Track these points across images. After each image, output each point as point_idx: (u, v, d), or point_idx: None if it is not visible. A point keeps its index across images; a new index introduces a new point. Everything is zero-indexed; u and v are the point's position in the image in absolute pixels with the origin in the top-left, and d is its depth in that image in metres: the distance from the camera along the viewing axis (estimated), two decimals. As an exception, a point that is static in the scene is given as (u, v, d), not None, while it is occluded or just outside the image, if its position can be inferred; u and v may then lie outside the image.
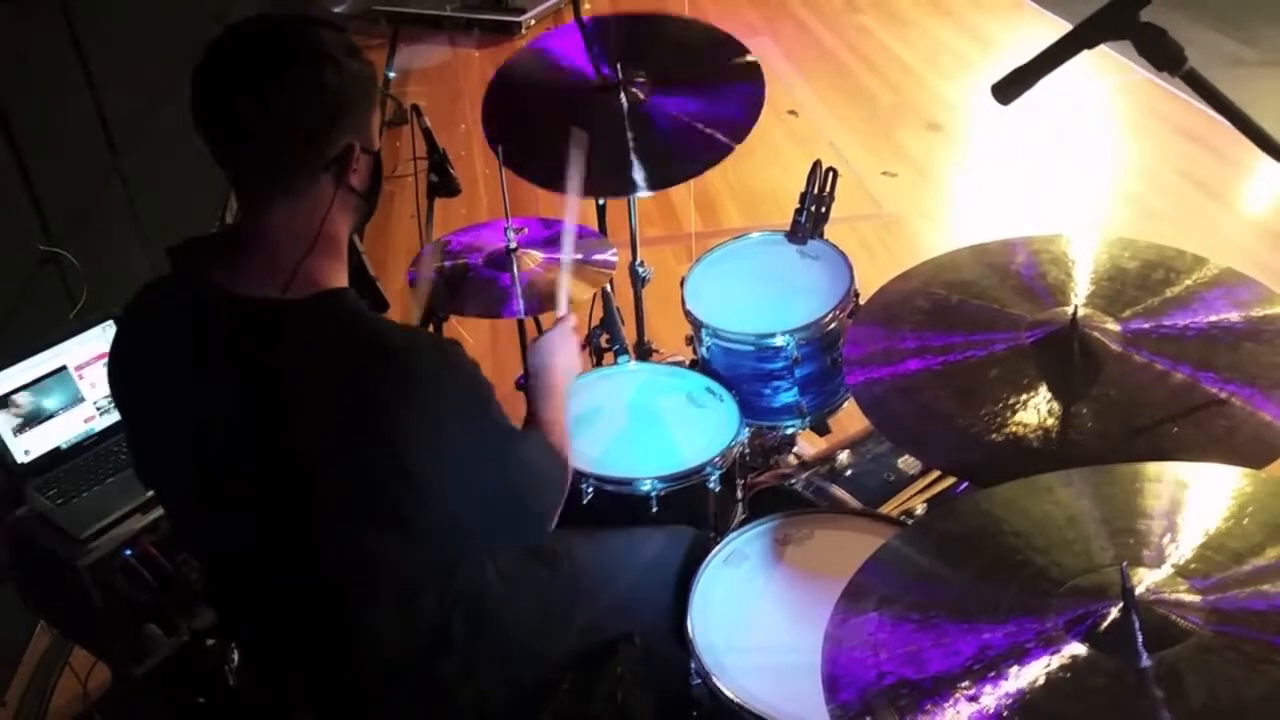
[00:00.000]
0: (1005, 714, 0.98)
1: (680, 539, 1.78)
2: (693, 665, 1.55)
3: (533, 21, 5.72)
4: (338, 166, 1.24)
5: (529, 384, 1.64)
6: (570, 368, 1.70)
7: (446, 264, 2.19)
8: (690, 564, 1.71)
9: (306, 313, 1.23)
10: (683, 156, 2.19)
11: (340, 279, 1.29)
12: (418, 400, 1.20)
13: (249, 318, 1.23)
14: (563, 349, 1.70)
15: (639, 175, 2.15)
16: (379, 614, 1.33)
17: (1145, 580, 1.07)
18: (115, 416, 2.05)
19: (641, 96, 2.23)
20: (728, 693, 1.47)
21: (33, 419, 1.97)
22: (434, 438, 1.23)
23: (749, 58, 2.30)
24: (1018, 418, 1.44)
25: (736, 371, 2.10)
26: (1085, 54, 1.30)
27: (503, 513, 1.36)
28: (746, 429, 1.99)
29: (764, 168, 4.25)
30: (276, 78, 1.18)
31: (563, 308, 1.84)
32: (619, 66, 2.23)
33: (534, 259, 2.14)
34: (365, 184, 1.30)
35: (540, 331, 2.64)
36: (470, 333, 3.11)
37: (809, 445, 2.46)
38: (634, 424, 2.01)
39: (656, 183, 2.18)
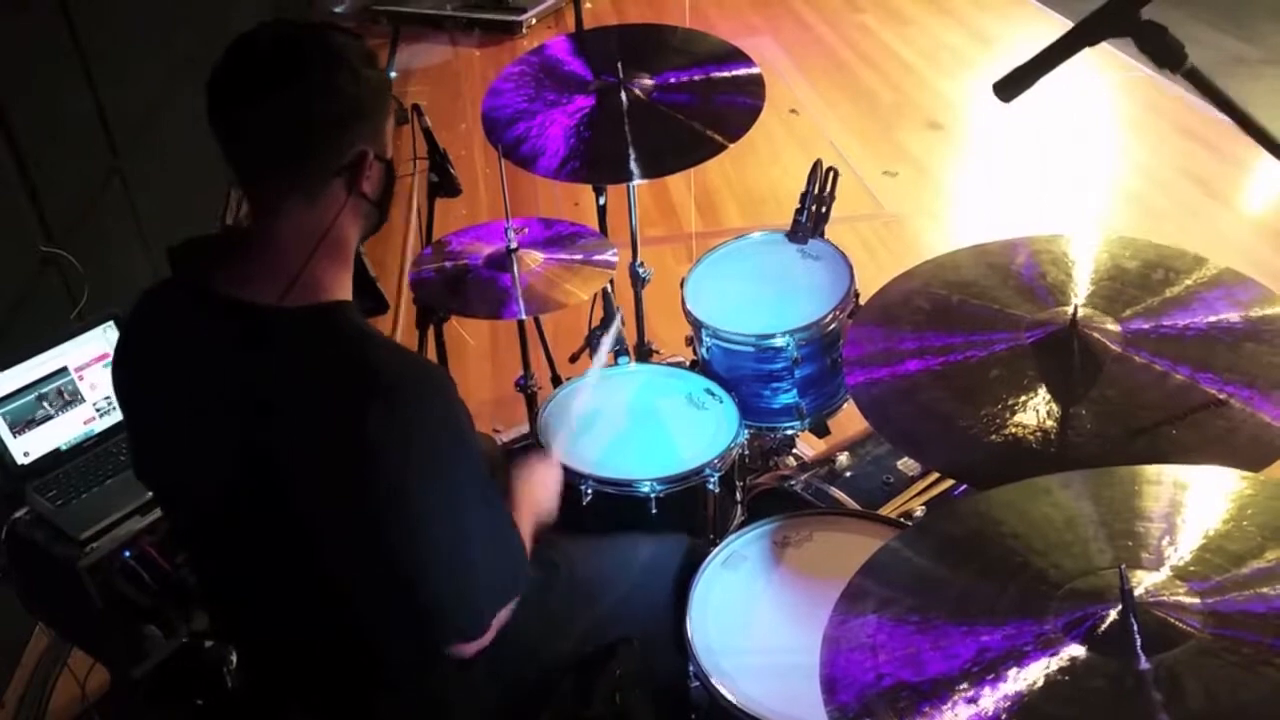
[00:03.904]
0: (1004, 717, 0.97)
1: (677, 546, 1.77)
2: (691, 667, 1.55)
3: (533, 21, 5.72)
4: (350, 172, 1.23)
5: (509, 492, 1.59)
6: (547, 500, 1.65)
7: (447, 264, 2.19)
8: (686, 570, 1.71)
9: (300, 325, 1.23)
10: (679, 150, 2.20)
11: (344, 289, 1.28)
12: (397, 430, 1.18)
13: (244, 324, 1.22)
14: (547, 484, 1.66)
15: (635, 166, 2.15)
16: (376, 618, 1.33)
17: (1144, 583, 1.07)
18: (115, 418, 2.05)
19: (641, 95, 2.23)
20: (726, 695, 1.47)
21: (32, 420, 1.96)
22: (407, 468, 1.20)
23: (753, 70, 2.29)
24: (1017, 419, 1.44)
25: (736, 372, 2.10)
26: (1086, 52, 1.29)
27: (447, 571, 1.28)
28: (746, 430, 1.99)
29: (764, 167, 4.25)
30: (293, 80, 1.18)
31: (557, 458, 1.78)
32: (619, 65, 2.24)
33: (534, 259, 2.14)
34: (377, 192, 1.29)
35: (541, 331, 2.67)
36: (470, 333, 3.11)
37: (808, 447, 2.46)
38: (633, 425, 2.01)
39: (652, 173, 2.18)
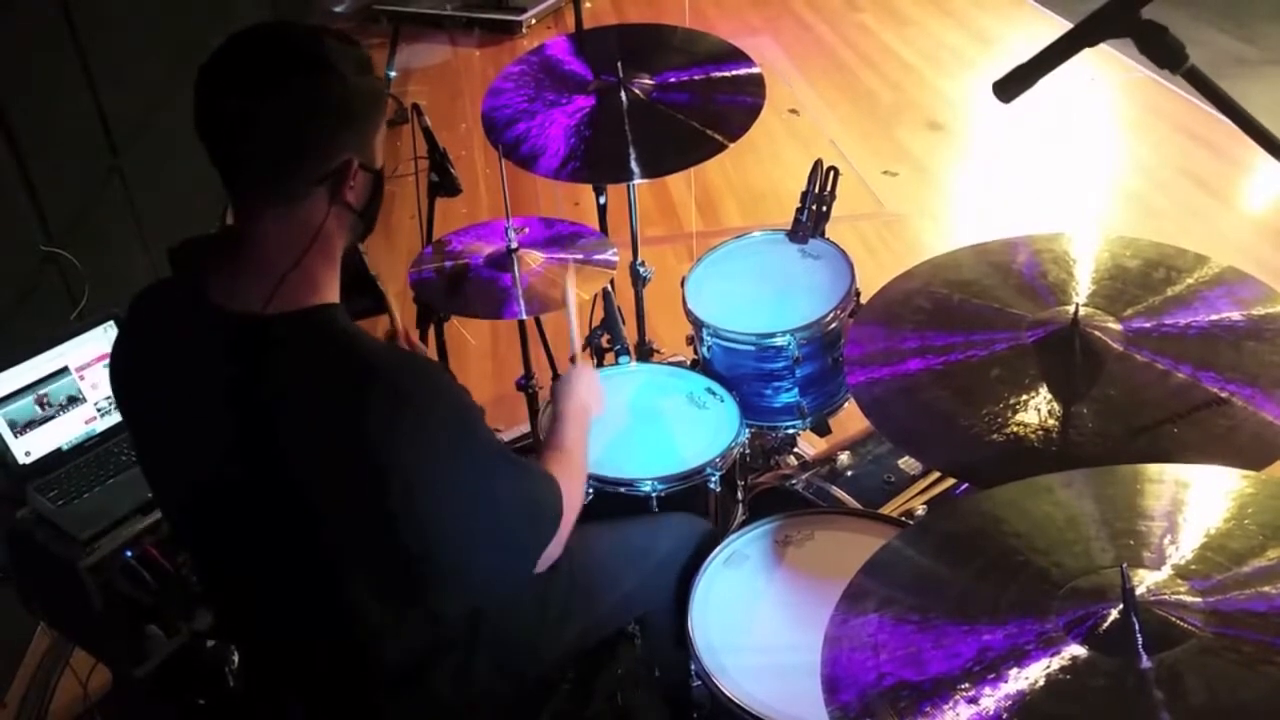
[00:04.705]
0: (1005, 716, 0.98)
1: (685, 531, 1.77)
2: (693, 666, 1.55)
3: (533, 21, 5.72)
4: (334, 180, 1.21)
5: (551, 411, 1.63)
6: (591, 398, 1.70)
7: (446, 264, 2.19)
8: (696, 554, 1.71)
9: (287, 330, 1.22)
10: (679, 149, 2.20)
11: (331, 292, 1.26)
12: (401, 426, 1.18)
13: (234, 334, 1.22)
14: (584, 381, 1.70)
15: (635, 166, 2.15)
16: (378, 616, 1.33)
17: (1145, 581, 1.07)
18: (116, 418, 2.05)
19: (641, 95, 2.24)
20: (728, 693, 1.47)
21: (33, 420, 1.97)
22: (417, 463, 1.20)
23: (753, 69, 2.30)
24: (1018, 418, 1.44)
25: (737, 371, 2.10)
26: (1086, 52, 1.29)
27: (485, 543, 1.31)
28: (747, 429, 1.99)
29: (765, 167, 4.25)
30: (277, 83, 1.17)
31: (577, 346, 1.84)
32: (619, 65, 2.24)
33: (535, 259, 2.14)
34: (362, 201, 1.27)
35: (541, 331, 2.67)
36: (471, 333, 3.11)
37: (809, 446, 2.46)
38: (635, 424, 2.01)
39: (652, 172, 2.19)
